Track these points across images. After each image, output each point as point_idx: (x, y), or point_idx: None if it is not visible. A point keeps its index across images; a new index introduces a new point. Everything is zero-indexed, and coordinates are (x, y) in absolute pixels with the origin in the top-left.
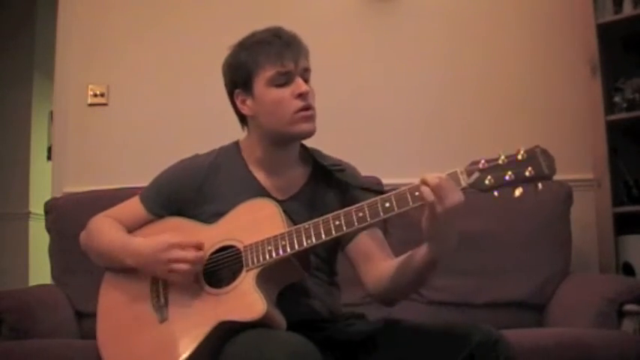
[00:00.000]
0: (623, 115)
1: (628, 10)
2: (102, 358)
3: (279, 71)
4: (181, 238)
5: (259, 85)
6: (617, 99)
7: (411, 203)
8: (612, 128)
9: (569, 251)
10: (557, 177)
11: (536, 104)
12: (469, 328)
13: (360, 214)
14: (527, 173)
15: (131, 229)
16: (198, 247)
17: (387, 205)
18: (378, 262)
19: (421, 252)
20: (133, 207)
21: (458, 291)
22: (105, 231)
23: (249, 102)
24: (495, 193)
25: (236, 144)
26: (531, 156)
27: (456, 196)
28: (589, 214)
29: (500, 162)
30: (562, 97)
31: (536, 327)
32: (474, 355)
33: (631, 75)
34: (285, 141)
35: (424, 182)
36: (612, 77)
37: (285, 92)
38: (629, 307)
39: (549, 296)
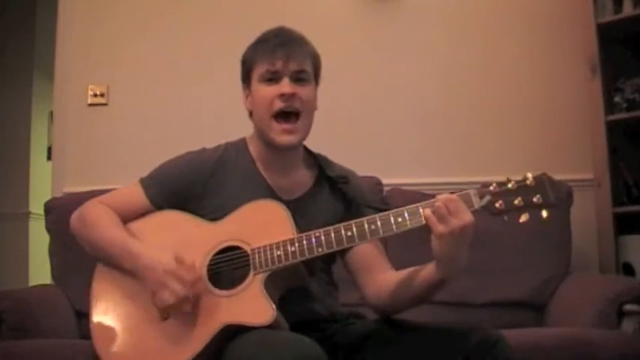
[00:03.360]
0: (623, 115)
1: (628, 10)
2: (96, 353)
3: (268, 69)
4: (180, 270)
5: (254, 81)
6: (617, 99)
7: (423, 220)
8: (612, 128)
9: (569, 251)
10: (557, 177)
11: (537, 104)
12: (468, 328)
13: (373, 227)
14: (535, 200)
15: (128, 219)
16: (194, 283)
17: (400, 220)
18: (377, 274)
19: (428, 270)
20: (134, 195)
21: (458, 291)
22: (103, 225)
23: (249, 97)
24: (505, 218)
25: (243, 140)
26: (539, 184)
27: (466, 217)
28: (589, 214)
29: (510, 187)
30: (562, 97)
31: (536, 327)
32: (473, 356)
33: (631, 75)
34: (270, 144)
35: (437, 200)
36: (612, 77)
37: (272, 90)
38: (629, 307)
39: (549, 296)
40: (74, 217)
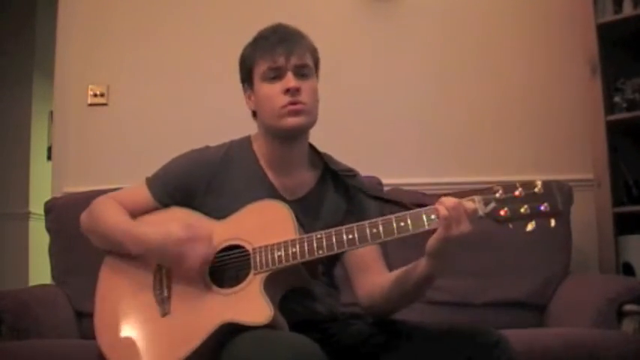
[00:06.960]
0: (623, 115)
1: (628, 10)
2: (99, 347)
3: (270, 66)
4: (192, 232)
5: (256, 80)
6: (617, 99)
7: (426, 225)
8: (612, 128)
9: (569, 251)
10: (557, 177)
11: (537, 104)
12: (470, 328)
13: (374, 231)
14: (542, 208)
15: (134, 215)
16: (209, 239)
17: (402, 224)
18: (372, 275)
19: (419, 267)
20: (139, 193)
21: (458, 291)
22: (109, 214)
23: (252, 97)
24: (510, 226)
25: (248, 139)
26: (548, 191)
27: (465, 228)
28: (589, 214)
29: (517, 194)
30: (562, 97)
31: (536, 327)
32: (474, 356)
33: (631, 75)
34: (281, 137)
35: (441, 203)
36: (612, 77)
37: (276, 88)
38: (629, 307)
39: (549, 296)
40: (83, 214)
